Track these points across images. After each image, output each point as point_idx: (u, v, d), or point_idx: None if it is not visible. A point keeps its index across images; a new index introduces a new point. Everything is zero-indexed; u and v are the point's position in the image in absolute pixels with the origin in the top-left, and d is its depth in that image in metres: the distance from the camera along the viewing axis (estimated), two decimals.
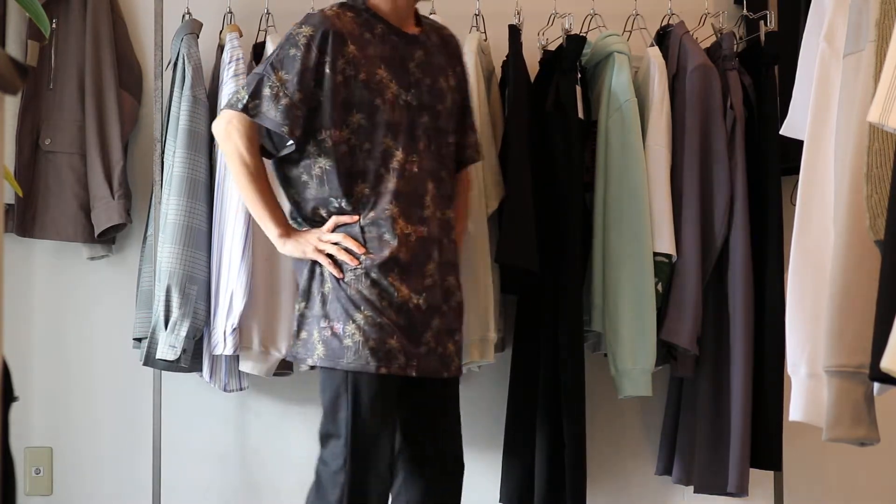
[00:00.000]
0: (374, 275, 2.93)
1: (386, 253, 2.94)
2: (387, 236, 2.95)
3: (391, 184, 2.96)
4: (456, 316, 3.06)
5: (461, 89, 3.19)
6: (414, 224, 2.97)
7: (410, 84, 3.02)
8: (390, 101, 2.98)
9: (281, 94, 2.93)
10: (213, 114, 3.57)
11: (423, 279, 2.97)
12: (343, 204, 2.97)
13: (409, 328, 2.94)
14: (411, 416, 3.03)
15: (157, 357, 3.47)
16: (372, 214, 2.96)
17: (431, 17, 3.60)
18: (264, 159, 3.05)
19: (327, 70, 2.95)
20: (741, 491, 3.50)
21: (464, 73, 3.22)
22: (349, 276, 2.94)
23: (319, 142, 2.97)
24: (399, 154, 2.97)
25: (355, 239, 2.95)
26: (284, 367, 3.64)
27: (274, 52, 3.03)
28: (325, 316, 2.94)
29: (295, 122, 2.93)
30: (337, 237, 2.95)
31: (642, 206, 3.47)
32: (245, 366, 3.54)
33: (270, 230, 3.03)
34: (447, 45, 3.17)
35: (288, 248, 3.02)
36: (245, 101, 2.96)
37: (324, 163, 2.97)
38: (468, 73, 3.28)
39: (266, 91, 2.95)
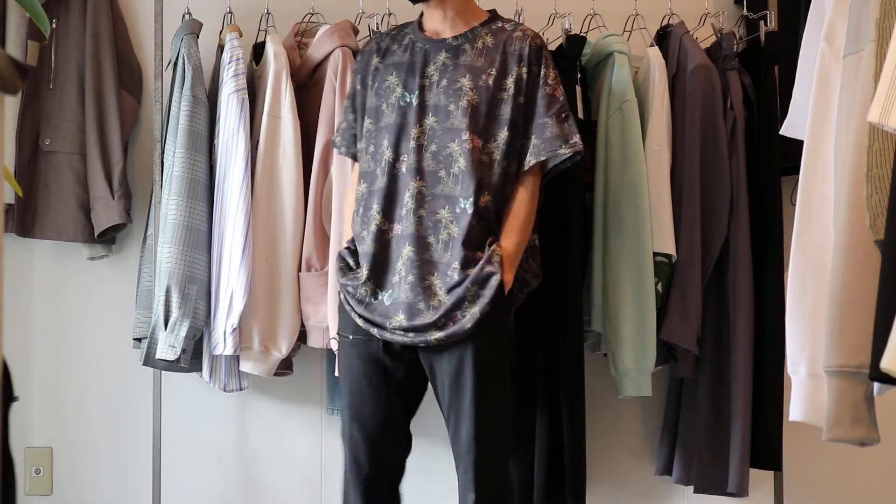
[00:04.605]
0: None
1: (365, 249, 3.10)
2: (364, 233, 3.11)
3: (379, 182, 3.11)
4: (437, 311, 3.03)
5: (519, 89, 3.11)
6: (391, 222, 3.09)
7: (419, 87, 3.11)
8: (392, 104, 3.12)
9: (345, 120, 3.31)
10: (212, 114, 3.57)
11: (392, 276, 3.07)
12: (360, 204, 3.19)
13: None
14: None
15: (157, 357, 3.47)
16: (362, 211, 3.13)
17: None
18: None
19: (358, 86, 3.23)
20: (741, 491, 3.50)
21: (529, 74, 3.12)
22: None
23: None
24: (388, 154, 3.10)
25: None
26: (284, 367, 3.64)
27: None
28: None
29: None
30: None
31: (642, 206, 3.46)
32: (245, 366, 3.54)
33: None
34: (506, 46, 3.14)
35: None
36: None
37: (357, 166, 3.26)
38: (546, 75, 3.15)
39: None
